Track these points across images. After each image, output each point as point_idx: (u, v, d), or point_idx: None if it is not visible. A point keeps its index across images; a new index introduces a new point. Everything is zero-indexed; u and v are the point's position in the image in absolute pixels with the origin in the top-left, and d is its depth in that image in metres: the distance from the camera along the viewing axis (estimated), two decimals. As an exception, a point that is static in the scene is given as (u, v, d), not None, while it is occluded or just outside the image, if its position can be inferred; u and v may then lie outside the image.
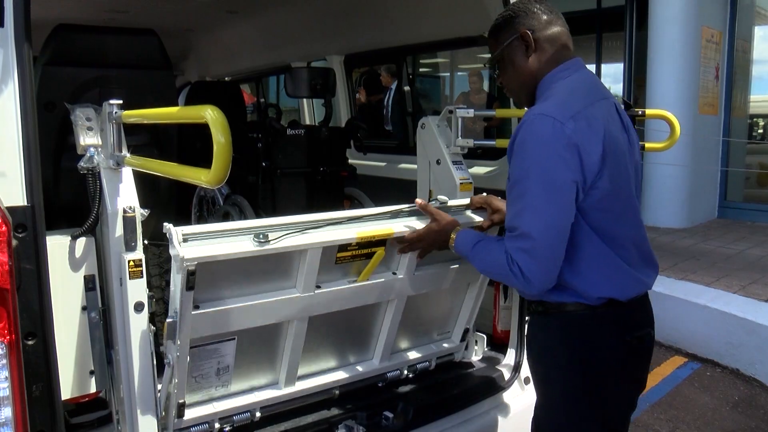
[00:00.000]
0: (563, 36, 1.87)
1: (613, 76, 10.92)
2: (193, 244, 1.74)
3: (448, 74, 13.67)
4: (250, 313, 1.96)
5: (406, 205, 2.17)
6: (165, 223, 1.72)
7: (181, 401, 1.97)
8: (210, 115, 1.29)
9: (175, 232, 1.71)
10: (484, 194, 2.31)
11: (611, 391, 1.87)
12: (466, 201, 2.34)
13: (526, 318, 2.13)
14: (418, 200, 2.16)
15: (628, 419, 2.00)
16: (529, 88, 1.88)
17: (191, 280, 1.74)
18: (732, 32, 8.50)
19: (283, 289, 2.01)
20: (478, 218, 2.28)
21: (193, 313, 1.82)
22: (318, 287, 2.04)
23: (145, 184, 2.07)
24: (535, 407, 2.04)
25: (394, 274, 2.22)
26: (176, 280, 1.75)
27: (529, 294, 1.86)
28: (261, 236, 1.80)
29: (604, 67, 10.56)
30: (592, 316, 1.83)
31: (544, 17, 1.85)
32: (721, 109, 8.55)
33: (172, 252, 1.72)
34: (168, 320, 1.81)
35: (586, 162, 1.69)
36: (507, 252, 1.74)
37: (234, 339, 2.01)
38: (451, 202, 2.29)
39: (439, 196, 2.27)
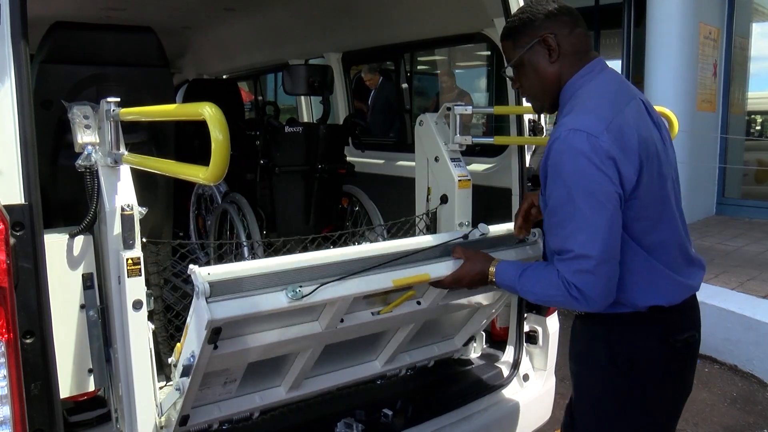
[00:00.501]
0: (584, 37, 1.81)
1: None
2: (221, 300, 1.65)
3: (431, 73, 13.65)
4: (268, 348, 1.92)
5: (436, 240, 2.07)
6: (191, 266, 1.64)
7: (185, 414, 1.95)
8: (208, 112, 1.29)
9: (201, 281, 1.62)
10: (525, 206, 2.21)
11: (652, 395, 1.82)
12: (508, 226, 2.26)
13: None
14: (454, 253, 2.04)
15: (673, 427, 1.94)
16: (552, 93, 1.82)
17: (215, 337, 1.69)
18: (730, 29, 8.51)
19: (305, 323, 1.95)
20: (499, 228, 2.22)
21: (211, 353, 1.77)
22: (341, 321, 1.99)
23: (143, 182, 2.07)
24: (571, 408, 2.02)
25: (419, 303, 2.15)
26: (197, 331, 1.68)
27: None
28: (295, 291, 1.72)
29: (602, 64, 10.54)
30: (635, 319, 1.79)
31: (566, 19, 1.79)
32: (719, 105, 8.56)
33: (196, 307, 1.65)
34: (183, 362, 1.77)
35: (623, 174, 1.64)
36: (561, 276, 1.68)
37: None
38: (493, 229, 2.20)
39: (480, 225, 2.18)
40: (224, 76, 5.97)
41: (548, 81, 1.80)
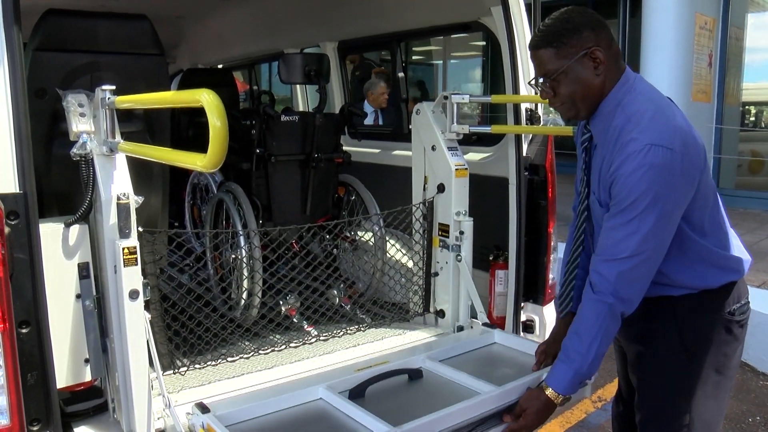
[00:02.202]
0: (619, 49, 1.87)
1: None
2: None
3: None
4: None
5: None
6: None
7: None
8: (206, 98, 1.28)
9: None
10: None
11: (721, 365, 1.92)
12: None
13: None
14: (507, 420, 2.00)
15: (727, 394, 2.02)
16: (594, 103, 1.85)
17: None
18: (725, 19, 8.50)
19: None
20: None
21: None
22: None
23: (138, 171, 2.05)
24: (621, 395, 2.13)
25: None
26: None
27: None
28: None
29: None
30: (703, 298, 1.89)
31: (606, 32, 1.83)
32: (714, 96, 8.56)
33: None
34: None
35: (695, 177, 1.76)
36: (602, 292, 1.81)
37: None
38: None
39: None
40: (219, 66, 5.93)
41: (593, 92, 1.83)
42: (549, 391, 1.91)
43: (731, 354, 1.94)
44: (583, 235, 2.10)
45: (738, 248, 1.96)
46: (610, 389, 3.73)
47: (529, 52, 1.99)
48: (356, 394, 2.06)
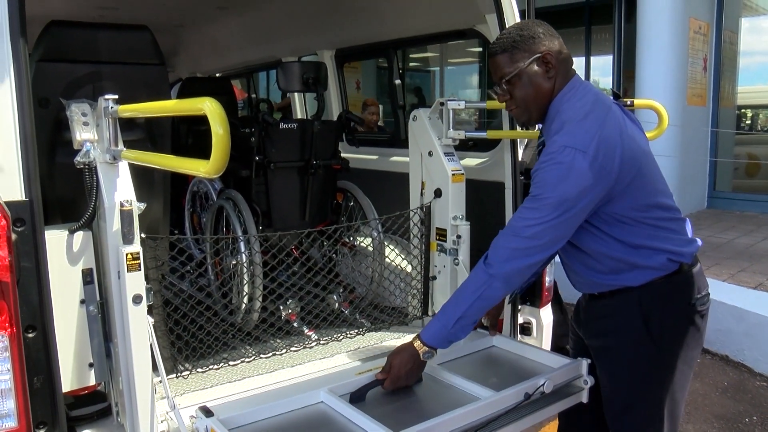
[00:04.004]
0: (569, 57, 2.01)
1: (602, 68, 10.98)
2: None
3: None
4: None
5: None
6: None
7: None
8: (208, 106, 1.32)
9: None
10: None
11: (682, 355, 2.01)
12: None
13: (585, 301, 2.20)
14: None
15: (689, 381, 2.11)
16: (544, 107, 1.99)
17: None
18: (719, 24, 8.57)
19: None
20: None
21: None
22: None
23: (140, 179, 2.09)
24: (602, 391, 2.15)
25: None
26: None
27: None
28: None
29: (593, 59, 10.61)
30: (665, 285, 1.98)
31: (556, 41, 1.97)
32: (710, 100, 8.62)
33: None
34: None
35: (608, 179, 1.85)
36: (487, 262, 1.95)
37: None
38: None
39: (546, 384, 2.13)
40: (218, 74, 5.97)
41: (542, 95, 1.97)
42: (416, 342, 2.06)
43: (694, 344, 2.03)
44: None
45: (685, 234, 2.05)
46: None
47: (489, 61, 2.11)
48: (357, 399, 2.10)
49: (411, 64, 13.60)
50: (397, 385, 2.12)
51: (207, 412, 1.94)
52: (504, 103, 2.06)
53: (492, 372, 2.39)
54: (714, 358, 4.71)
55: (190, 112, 1.42)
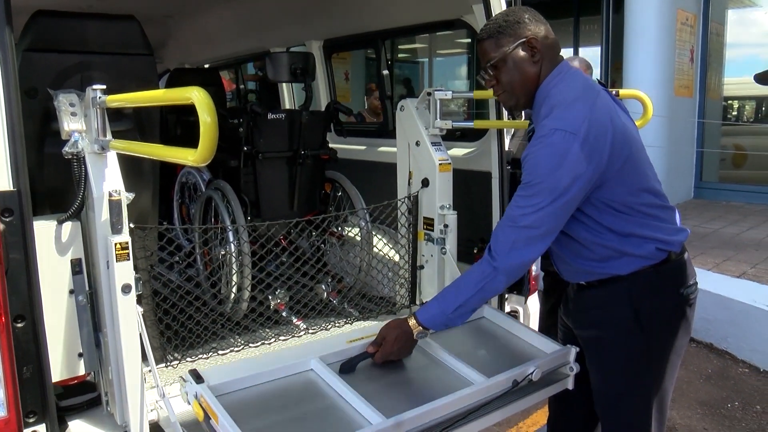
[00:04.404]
0: (556, 43, 2.02)
1: (590, 60, 11.02)
2: None
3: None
4: None
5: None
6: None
7: None
8: (196, 95, 1.33)
9: None
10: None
11: (671, 344, 2.02)
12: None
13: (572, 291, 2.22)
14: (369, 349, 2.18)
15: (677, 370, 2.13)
16: (531, 92, 2.00)
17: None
18: (706, 15, 8.62)
19: None
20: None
21: None
22: None
23: (129, 169, 2.09)
24: (591, 381, 2.16)
25: None
26: None
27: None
28: None
29: (581, 51, 10.65)
30: (654, 274, 1.99)
31: (543, 26, 1.98)
32: (696, 91, 8.68)
33: None
34: None
35: (600, 161, 1.85)
36: (490, 255, 1.95)
37: None
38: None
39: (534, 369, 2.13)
40: (206, 65, 5.96)
41: (529, 80, 1.98)
42: (411, 321, 2.08)
43: (682, 333, 2.04)
44: None
45: (674, 223, 2.07)
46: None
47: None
48: (347, 370, 2.10)
49: (400, 55, 13.58)
50: (387, 359, 2.14)
51: (197, 377, 1.93)
52: (491, 90, 2.08)
53: (481, 349, 2.39)
54: (699, 346, 4.78)
55: (178, 101, 1.44)
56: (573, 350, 2.21)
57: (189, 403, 1.93)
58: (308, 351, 2.20)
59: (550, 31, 2.00)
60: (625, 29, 8.03)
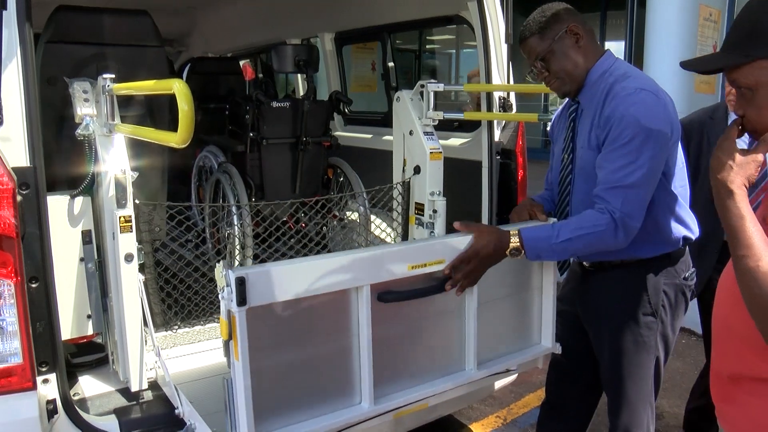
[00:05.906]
0: (592, 30, 2.14)
1: (616, 54, 10.98)
2: None
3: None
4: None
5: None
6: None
7: None
8: (176, 86, 1.53)
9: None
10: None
11: (674, 328, 2.19)
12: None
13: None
14: (456, 223, 2.03)
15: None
16: (580, 76, 2.10)
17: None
18: (731, 10, 8.53)
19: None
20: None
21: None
22: None
23: (141, 151, 2.31)
24: (601, 363, 2.26)
25: None
26: None
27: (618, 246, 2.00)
28: None
29: (607, 44, 10.64)
30: (663, 262, 2.12)
31: (577, 15, 2.10)
32: (718, 87, 8.62)
33: None
34: None
35: (669, 129, 1.96)
36: (607, 208, 1.94)
37: None
38: None
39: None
40: (228, 55, 6.17)
41: (578, 64, 2.09)
42: (514, 236, 1.95)
43: (681, 315, 2.20)
44: (568, 207, 2.23)
45: (692, 213, 2.18)
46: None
47: (520, 48, 2.20)
48: (385, 300, 1.88)
49: (428, 46, 13.66)
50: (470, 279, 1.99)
51: (242, 299, 1.60)
52: (542, 82, 2.15)
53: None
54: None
55: (163, 90, 1.64)
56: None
57: (223, 315, 1.66)
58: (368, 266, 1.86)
59: (583, 20, 2.11)
60: (646, 23, 8.01)
